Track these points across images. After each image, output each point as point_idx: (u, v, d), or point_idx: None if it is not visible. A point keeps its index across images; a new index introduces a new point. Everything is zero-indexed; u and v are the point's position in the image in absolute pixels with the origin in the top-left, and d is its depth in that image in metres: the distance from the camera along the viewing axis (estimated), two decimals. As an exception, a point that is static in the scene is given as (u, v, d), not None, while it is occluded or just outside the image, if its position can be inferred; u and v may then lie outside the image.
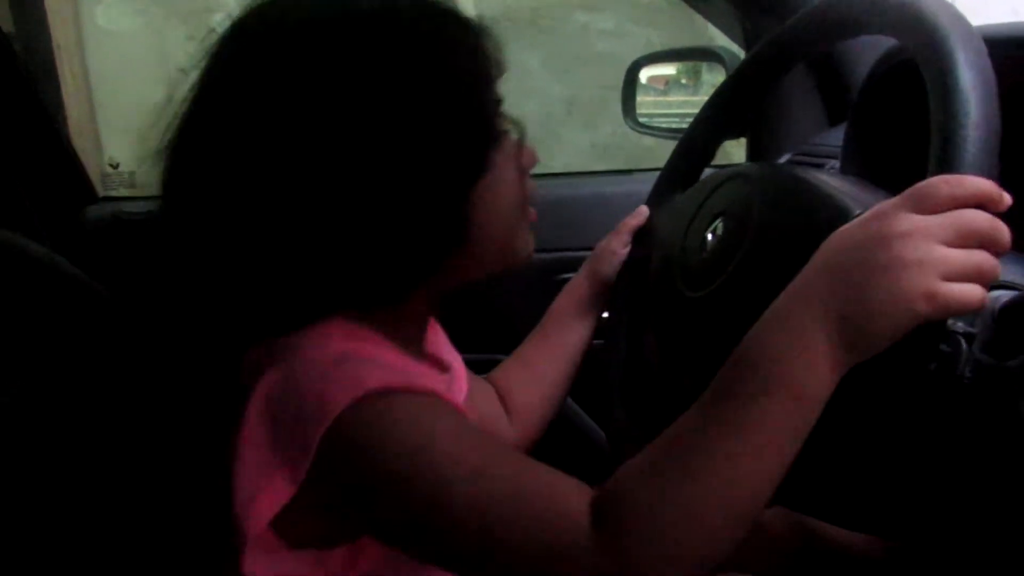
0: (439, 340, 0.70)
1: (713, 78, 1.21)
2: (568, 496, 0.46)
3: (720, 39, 1.17)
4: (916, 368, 0.47)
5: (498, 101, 0.57)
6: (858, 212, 0.53)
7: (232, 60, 0.54)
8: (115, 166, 1.54)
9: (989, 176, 0.44)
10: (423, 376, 0.55)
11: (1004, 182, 0.47)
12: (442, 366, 0.66)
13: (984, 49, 0.47)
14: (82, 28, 1.94)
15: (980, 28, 0.52)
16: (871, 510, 0.75)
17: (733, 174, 0.67)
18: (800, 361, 0.44)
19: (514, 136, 0.59)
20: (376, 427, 0.47)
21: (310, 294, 0.53)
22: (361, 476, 0.48)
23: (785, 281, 0.54)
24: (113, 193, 1.34)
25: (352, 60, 0.51)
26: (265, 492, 0.49)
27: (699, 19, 1.17)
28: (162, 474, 0.72)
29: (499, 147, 0.56)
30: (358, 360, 0.50)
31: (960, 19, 0.49)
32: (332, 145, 0.50)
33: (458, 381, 0.69)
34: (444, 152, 0.52)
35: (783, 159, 0.95)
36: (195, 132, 0.55)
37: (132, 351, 0.84)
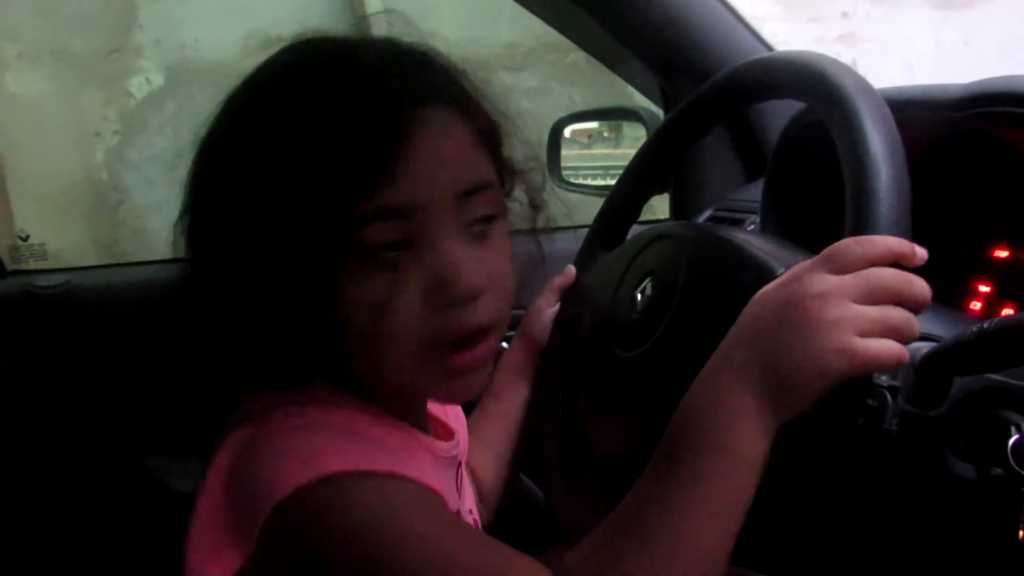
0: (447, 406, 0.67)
1: (634, 132, 1.24)
2: None
3: (639, 98, 1.21)
4: (845, 423, 0.48)
5: (382, 211, 0.48)
6: (780, 271, 0.54)
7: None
8: (25, 238, 1.48)
9: (903, 234, 0.46)
10: (402, 454, 0.51)
11: (919, 238, 0.49)
12: (447, 432, 0.63)
13: (889, 113, 0.50)
14: (-9, 95, 1.89)
15: (882, 91, 0.55)
16: (808, 561, 0.75)
17: (660, 234, 0.68)
18: (726, 422, 0.45)
19: (408, 260, 0.49)
20: (326, 515, 0.44)
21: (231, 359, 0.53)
22: (307, 564, 0.45)
23: (715, 339, 0.55)
24: (23, 266, 1.28)
25: (228, 159, 0.52)
26: (213, 563, 0.47)
27: (619, 79, 1.21)
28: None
29: (367, 266, 0.48)
30: (324, 433, 0.48)
31: (865, 86, 0.51)
32: (218, 217, 0.52)
33: (461, 446, 0.66)
34: (278, 261, 0.48)
35: (705, 215, 0.98)
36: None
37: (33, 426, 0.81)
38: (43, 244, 1.46)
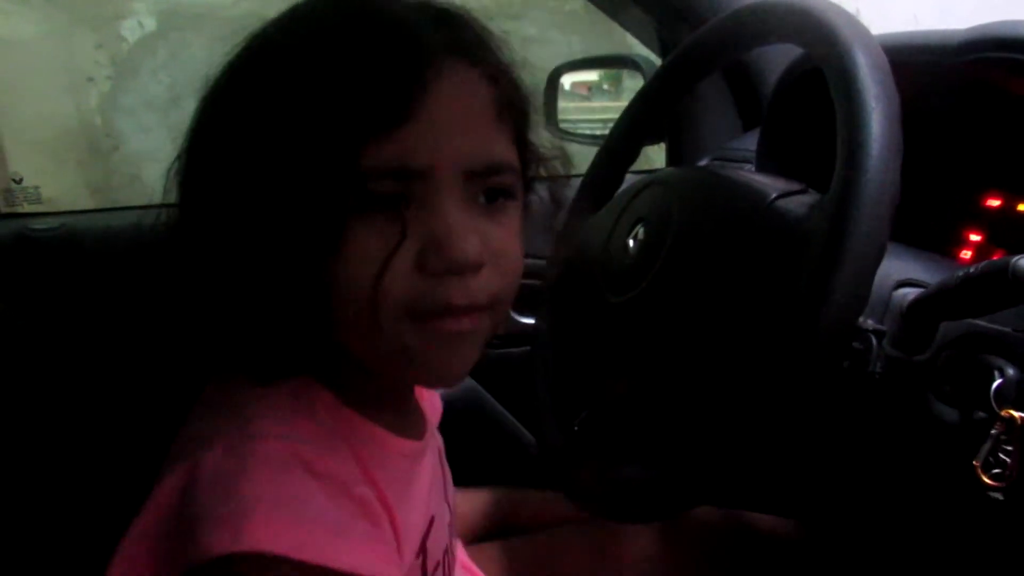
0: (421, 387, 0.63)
1: (634, 84, 1.23)
2: None
3: (638, 47, 1.19)
4: (830, 366, 0.48)
5: (379, 169, 0.43)
6: (773, 195, 0.54)
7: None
8: (18, 180, 1.47)
9: (894, 174, 0.46)
10: (354, 519, 0.45)
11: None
12: (420, 427, 0.58)
13: (884, 58, 0.49)
14: (-19, 37, 1.86)
15: (882, 37, 0.55)
16: (794, 498, 0.77)
17: (651, 180, 0.68)
18: None
19: (403, 219, 0.44)
20: None
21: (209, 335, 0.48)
22: None
23: (708, 275, 0.55)
24: (17, 209, 1.27)
25: (237, 100, 0.47)
26: None
27: (618, 27, 1.19)
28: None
29: (363, 223, 0.44)
30: (270, 492, 0.42)
31: (862, 31, 0.51)
32: (211, 178, 0.47)
33: (435, 441, 0.62)
34: (278, 214, 0.44)
35: (701, 163, 0.97)
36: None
37: (34, 370, 0.82)
38: (37, 187, 1.45)
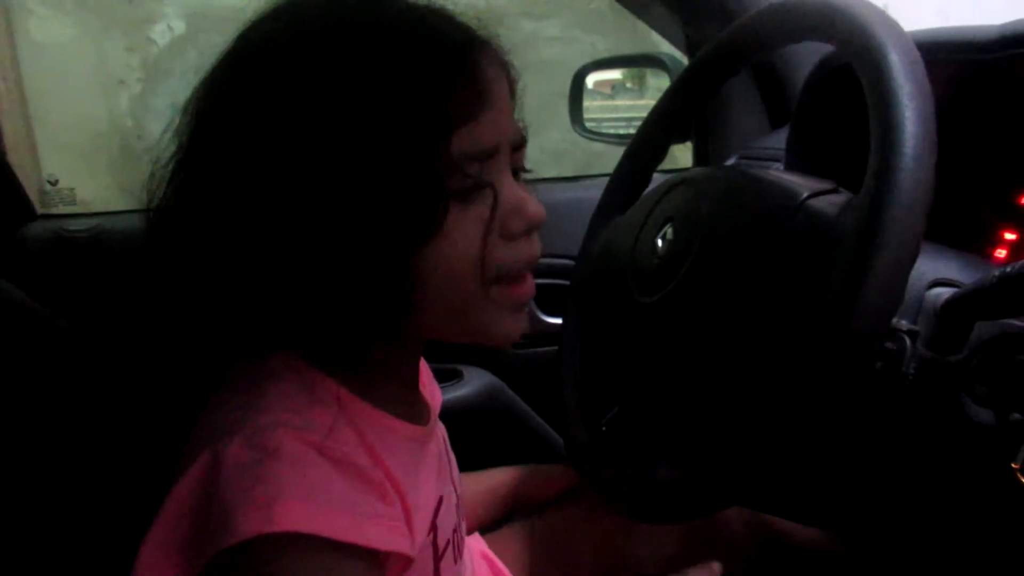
0: (421, 375, 0.66)
1: (658, 82, 1.22)
2: None
3: (664, 45, 1.19)
4: (863, 367, 0.48)
5: (465, 155, 0.48)
6: (805, 195, 0.54)
7: (216, 81, 0.53)
8: (54, 182, 1.49)
9: (927, 174, 0.45)
10: (374, 500, 0.48)
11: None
12: (425, 414, 0.62)
13: (918, 55, 0.49)
14: (15, 41, 1.89)
15: (914, 33, 0.54)
16: (823, 505, 0.76)
17: (679, 179, 0.68)
18: None
19: (492, 194, 0.50)
20: (268, 572, 0.43)
21: (257, 326, 0.50)
22: None
23: (737, 277, 0.55)
24: (53, 210, 1.30)
25: (296, 98, 0.47)
26: (156, 571, 0.45)
27: (643, 25, 1.19)
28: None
29: (456, 205, 0.48)
30: (296, 475, 0.44)
31: (895, 27, 0.50)
32: (277, 181, 0.47)
33: (434, 424, 0.64)
34: (374, 206, 0.46)
35: (728, 162, 0.97)
36: (190, 151, 0.54)
37: (76, 372, 0.83)
38: (72, 189, 1.48)
